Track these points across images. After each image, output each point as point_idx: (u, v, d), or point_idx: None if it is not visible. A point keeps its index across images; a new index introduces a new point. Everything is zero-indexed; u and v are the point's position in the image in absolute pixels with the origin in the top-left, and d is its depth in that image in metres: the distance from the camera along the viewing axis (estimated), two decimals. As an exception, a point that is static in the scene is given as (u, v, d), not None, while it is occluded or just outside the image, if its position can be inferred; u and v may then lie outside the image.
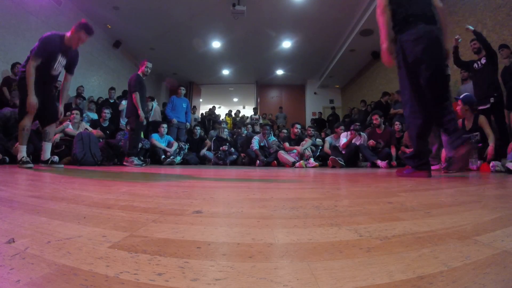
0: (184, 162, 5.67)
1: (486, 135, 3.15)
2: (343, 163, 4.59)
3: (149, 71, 4.31)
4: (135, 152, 4.12)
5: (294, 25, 7.29)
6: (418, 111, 2.08)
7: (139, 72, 4.23)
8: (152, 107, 6.26)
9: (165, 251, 0.42)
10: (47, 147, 3.02)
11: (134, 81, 4.05)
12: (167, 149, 5.28)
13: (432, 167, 2.88)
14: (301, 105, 12.16)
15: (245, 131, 6.86)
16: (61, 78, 3.14)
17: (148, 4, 6.39)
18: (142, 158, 4.64)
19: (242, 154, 5.93)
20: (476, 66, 3.76)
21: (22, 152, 2.73)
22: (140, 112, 3.99)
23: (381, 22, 2.09)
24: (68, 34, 2.82)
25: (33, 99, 2.67)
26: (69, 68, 3.00)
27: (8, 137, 3.57)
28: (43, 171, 2.35)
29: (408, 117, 2.16)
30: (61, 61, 2.85)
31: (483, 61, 3.64)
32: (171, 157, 5.29)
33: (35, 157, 3.70)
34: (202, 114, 10.70)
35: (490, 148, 3.03)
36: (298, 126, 5.42)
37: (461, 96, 3.35)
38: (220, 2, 6.22)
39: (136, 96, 3.98)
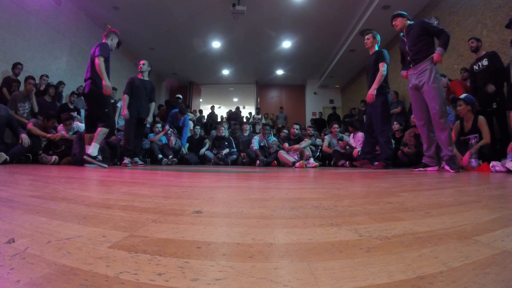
0: (184, 162, 5.67)
1: (483, 134, 3.15)
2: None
3: (144, 67, 4.35)
4: (128, 153, 4.13)
5: (294, 25, 7.29)
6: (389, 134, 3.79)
7: (139, 76, 4.37)
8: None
9: (165, 251, 0.42)
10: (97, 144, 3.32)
11: (127, 83, 4.25)
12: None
13: (430, 168, 2.92)
14: (301, 105, 12.16)
15: (248, 130, 6.83)
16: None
17: (148, 4, 6.39)
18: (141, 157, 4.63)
19: (242, 154, 5.93)
20: (477, 68, 3.68)
21: (96, 149, 3.22)
22: (126, 113, 4.13)
23: (378, 80, 3.57)
24: (107, 41, 3.32)
25: (109, 83, 3.17)
26: None
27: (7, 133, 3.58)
28: (43, 170, 2.35)
29: (384, 134, 3.70)
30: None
31: (485, 62, 3.56)
32: (170, 156, 5.29)
33: (33, 155, 3.75)
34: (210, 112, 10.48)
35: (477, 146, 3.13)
36: (297, 126, 5.43)
37: (463, 96, 3.31)
38: (220, 2, 6.22)
39: (126, 98, 4.15)
